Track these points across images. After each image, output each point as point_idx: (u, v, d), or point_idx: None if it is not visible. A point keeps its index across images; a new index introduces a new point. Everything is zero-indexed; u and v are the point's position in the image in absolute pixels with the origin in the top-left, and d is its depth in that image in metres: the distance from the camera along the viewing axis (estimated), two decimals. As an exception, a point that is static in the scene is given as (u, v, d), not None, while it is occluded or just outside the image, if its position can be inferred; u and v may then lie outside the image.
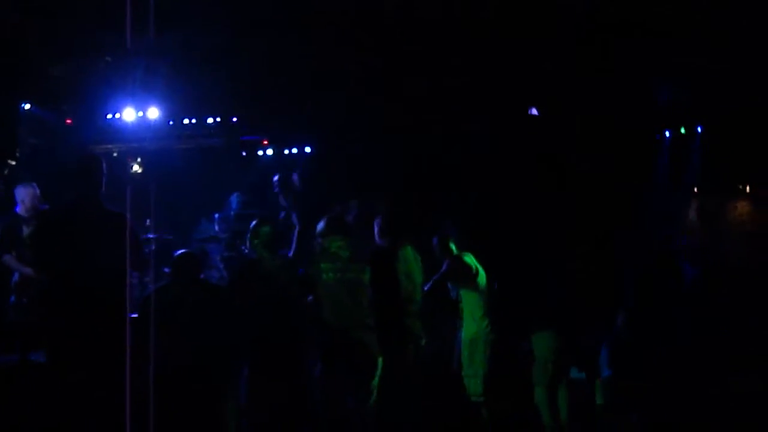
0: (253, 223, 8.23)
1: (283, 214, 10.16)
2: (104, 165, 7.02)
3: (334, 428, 7.89)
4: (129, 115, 13.59)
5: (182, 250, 8.04)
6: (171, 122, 15.00)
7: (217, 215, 12.47)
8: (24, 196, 9.43)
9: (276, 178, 10.40)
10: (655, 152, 15.05)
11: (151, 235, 10.88)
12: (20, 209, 9.42)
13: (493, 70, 12.30)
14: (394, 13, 10.62)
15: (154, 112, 13.51)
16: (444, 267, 8.89)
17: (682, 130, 14.84)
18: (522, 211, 12.28)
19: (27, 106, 13.18)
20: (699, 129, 14.70)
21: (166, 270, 10.69)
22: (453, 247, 8.98)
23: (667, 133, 15.05)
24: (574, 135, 13.84)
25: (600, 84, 12.61)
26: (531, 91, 13.63)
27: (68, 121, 14.66)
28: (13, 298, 9.30)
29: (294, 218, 9.21)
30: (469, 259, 8.94)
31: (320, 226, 8.12)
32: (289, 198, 10.11)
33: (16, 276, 9.31)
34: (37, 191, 9.48)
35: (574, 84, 12.67)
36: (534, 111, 14.15)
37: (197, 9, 10.04)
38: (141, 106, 13.41)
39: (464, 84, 12.84)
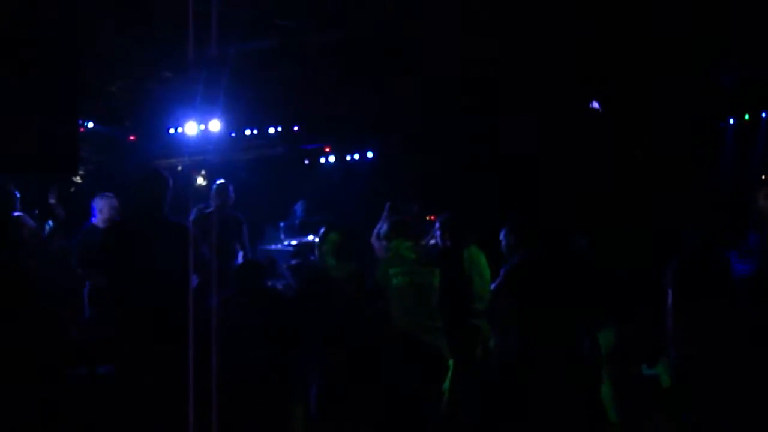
0: (322, 230, 8.24)
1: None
2: (170, 181, 7.08)
3: (405, 432, 7.87)
4: (191, 128, 13.72)
5: (245, 260, 8.06)
6: (233, 134, 15.12)
7: (282, 224, 12.52)
8: (102, 206, 9.49)
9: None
10: (719, 140, 14.82)
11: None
12: (97, 220, 9.50)
13: (554, 64, 12.20)
14: (453, 17, 10.59)
15: (215, 125, 13.62)
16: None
17: (746, 117, 14.57)
18: (582, 206, 12.18)
19: (90, 125, 13.35)
20: (764, 115, 14.41)
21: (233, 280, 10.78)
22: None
23: (731, 121, 14.78)
24: (636, 128, 13.70)
25: (662, 74, 12.46)
26: (592, 84, 13.51)
27: (131, 137, 14.83)
28: (87, 311, 9.40)
29: None
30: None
31: (384, 229, 8.10)
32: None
33: (90, 285, 9.39)
34: (115, 202, 9.53)
35: (636, 76, 12.53)
36: (596, 104, 14.03)
37: (256, 20, 10.08)
38: (203, 119, 13.53)
39: (525, 80, 12.77)
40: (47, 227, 9.54)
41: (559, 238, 8.12)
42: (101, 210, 9.51)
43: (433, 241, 8.96)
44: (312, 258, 9.84)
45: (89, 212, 9.61)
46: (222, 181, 10.56)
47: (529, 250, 7.62)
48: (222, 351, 5.53)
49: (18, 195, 8.66)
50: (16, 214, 8.71)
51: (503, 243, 8.50)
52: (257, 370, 7.24)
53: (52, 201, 9.41)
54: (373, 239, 8.86)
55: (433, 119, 14.12)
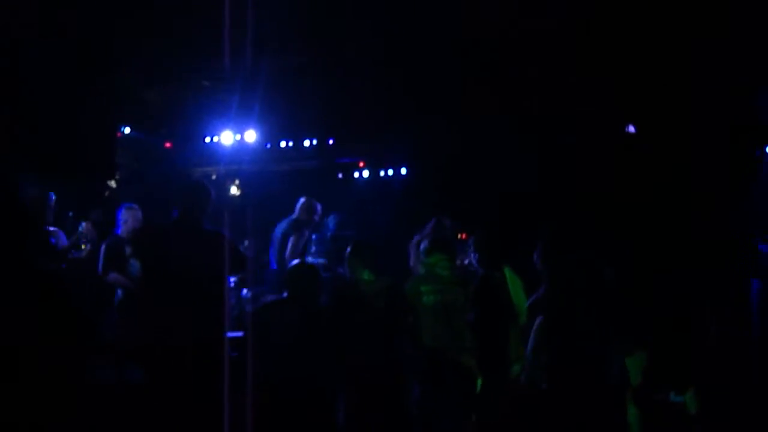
0: (353, 244, 8.23)
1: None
2: (212, 192, 7.15)
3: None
4: (227, 138, 13.79)
5: (298, 262, 7.87)
6: (268, 145, 15.17)
7: (314, 236, 12.53)
8: (127, 217, 9.64)
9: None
10: (755, 169, 14.71)
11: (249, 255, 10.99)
12: (122, 230, 9.60)
13: (590, 87, 12.19)
14: (489, 37, 10.60)
15: (251, 135, 13.69)
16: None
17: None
18: (616, 229, 12.12)
19: (127, 130, 13.42)
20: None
21: (263, 288, 10.81)
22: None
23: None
24: (672, 152, 13.63)
25: (698, 99, 12.41)
26: (628, 107, 13.48)
27: (168, 144, 14.90)
28: (116, 317, 9.44)
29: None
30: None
31: (423, 245, 8.09)
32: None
33: (120, 293, 9.46)
34: (140, 214, 9.67)
35: (670, 99, 12.50)
36: (631, 128, 13.99)
37: (293, 32, 10.12)
38: (239, 129, 13.59)
39: (562, 103, 12.75)
40: (81, 226, 9.61)
41: (590, 263, 8.10)
42: (126, 221, 9.64)
43: (467, 261, 8.94)
44: (341, 271, 9.85)
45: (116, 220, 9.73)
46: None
47: (561, 273, 7.62)
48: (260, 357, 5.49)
49: (53, 199, 8.76)
50: (51, 228, 8.83)
51: (536, 261, 8.49)
52: (294, 382, 7.11)
53: (83, 228, 9.51)
54: (412, 247, 8.87)
55: (469, 139, 14.11)
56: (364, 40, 10.94)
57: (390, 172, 17.04)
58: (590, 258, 7.96)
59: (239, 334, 7.38)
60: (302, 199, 11.06)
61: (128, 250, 9.23)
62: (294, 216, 10.94)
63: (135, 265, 8.83)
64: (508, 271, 8.49)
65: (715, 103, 12.48)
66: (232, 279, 9.68)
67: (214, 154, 14.56)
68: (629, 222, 12.49)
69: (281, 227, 10.91)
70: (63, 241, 9.13)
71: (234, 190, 15.68)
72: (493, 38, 10.57)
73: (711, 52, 10.91)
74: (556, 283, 8.58)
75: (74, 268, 9.12)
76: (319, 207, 11.04)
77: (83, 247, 9.36)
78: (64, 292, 5.30)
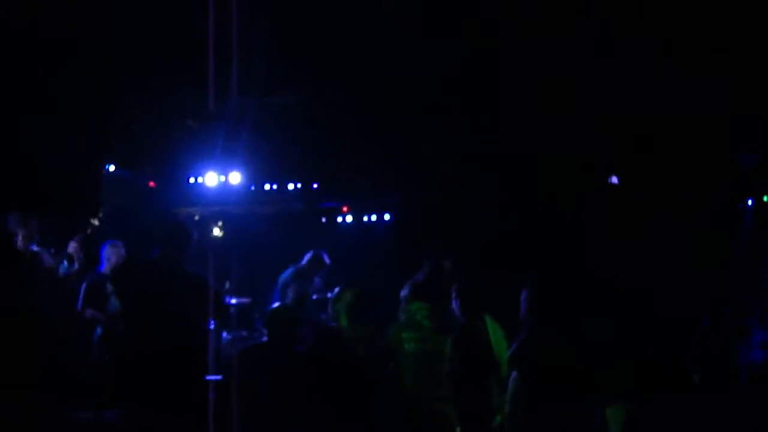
0: (336, 290, 8.20)
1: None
2: (194, 234, 7.15)
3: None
4: (211, 179, 13.77)
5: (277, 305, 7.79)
6: (252, 187, 15.16)
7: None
8: (111, 255, 9.65)
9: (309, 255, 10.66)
10: (738, 221, 14.79)
11: (230, 299, 10.93)
12: (105, 268, 9.59)
13: (571, 139, 12.25)
14: (475, 84, 10.65)
15: (236, 177, 13.67)
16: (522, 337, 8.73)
17: (765, 198, 14.54)
18: (600, 279, 12.13)
19: (111, 168, 13.39)
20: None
21: (243, 333, 10.75)
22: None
23: (750, 202, 14.75)
24: (654, 204, 13.70)
25: (680, 153, 12.49)
26: (611, 159, 13.55)
27: (151, 183, 14.87)
28: (95, 355, 9.40)
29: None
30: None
31: (404, 292, 8.07)
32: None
33: (99, 331, 9.42)
34: (123, 251, 9.67)
35: (654, 152, 12.56)
36: (615, 179, 14.05)
37: (279, 75, 10.14)
38: (223, 170, 13.58)
39: (540, 155, 12.82)
40: (63, 267, 9.59)
41: (571, 313, 8.09)
42: (109, 259, 9.64)
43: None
44: (324, 316, 9.82)
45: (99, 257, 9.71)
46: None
47: (543, 328, 7.64)
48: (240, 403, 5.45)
49: (36, 226, 8.73)
50: (34, 248, 8.77)
51: (522, 309, 8.46)
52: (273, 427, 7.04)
53: (71, 248, 9.49)
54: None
55: (452, 184, 14.15)
56: (349, 85, 10.98)
57: (373, 217, 17.08)
58: (573, 314, 7.97)
59: (218, 377, 7.32)
60: (311, 252, 10.97)
61: (110, 287, 9.20)
62: (299, 265, 10.85)
63: (114, 302, 8.81)
64: (489, 320, 8.46)
65: (698, 155, 12.56)
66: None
67: (198, 194, 14.53)
68: (611, 271, 12.50)
69: (284, 276, 10.85)
70: (48, 260, 9.09)
71: (217, 232, 15.65)
72: (479, 84, 10.61)
73: (693, 105, 10.98)
74: (536, 338, 8.56)
75: (63, 288, 9.13)
76: (327, 259, 10.94)
77: (73, 264, 9.37)
78: (40, 332, 5.26)
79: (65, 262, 9.57)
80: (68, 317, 9.38)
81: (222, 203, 14.42)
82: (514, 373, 7.60)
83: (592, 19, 9.00)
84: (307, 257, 10.87)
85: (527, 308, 8.13)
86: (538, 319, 8.18)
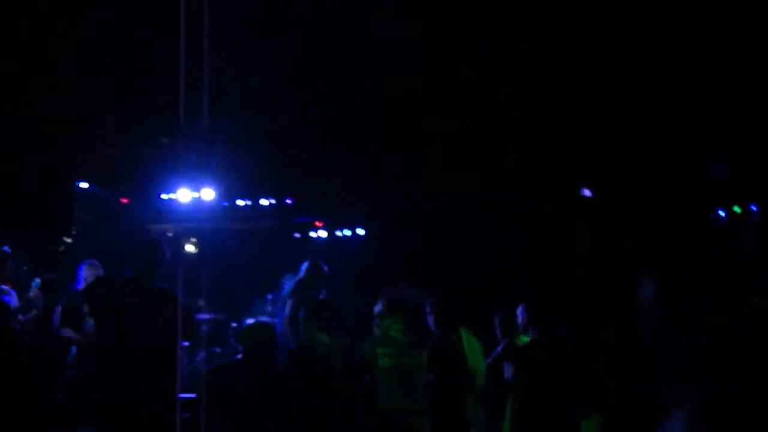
0: (308, 305, 8.19)
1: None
2: (166, 249, 7.13)
3: None
4: (184, 195, 13.72)
5: (253, 321, 7.68)
6: (225, 203, 15.13)
7: (269, 296, 12.48)
8: (87, 274, 9.58)
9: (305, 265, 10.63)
10: (710, 231, 14.86)
11: (203, 316, 10.89)
12: (81, 287, 9.54)
13: (543, 152, 12.30)
14: (450, 104, 10.71)
15: (208, 193, 13.62)
16: (500, 347, 8.74)
17: (736, 209, 14.63)
18: (570, 291, 12.19)
19: (84, 185, 13.33)
20: (754, 208, 14.47)
21: (217, 350, 10.71)
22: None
23: (722, 213, 14.83)
24: (627, 215, 13.77)
25: (652, 163, 12.55)
26: (583, 172, 13.61)
27: (124, 200, 14.82)
28: (69, 374, 9.36)
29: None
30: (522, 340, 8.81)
31: (378, 307, 8.07)
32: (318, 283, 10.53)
33: (74, 350, 9.39)
34: (101, 271, 9.61)
35: (626, 163, 12.63)
36: (587, 192, 14.11)
37: (252, 92, 10.15)
38: (196, 186, 13.54)
39: (514, 168, 12.86)
40: (34, 284, 9.57)
41: (549, 324, 8.12)
42: (86, 278, 9.57)
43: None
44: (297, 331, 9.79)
45: (76, 275, 9.66)
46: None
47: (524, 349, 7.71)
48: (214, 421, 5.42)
49: (9, 253, 8.71)
50: (3, 287, 8.78)
51: (498, 324, 8.49)
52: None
53: (33, 293, 9.49)
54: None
55: (425, 199, 14.18)
56: (323, 102, 10.99)
57: (347, 232, 17.08)
58: (552, 332, 8.01)
59: (192, 395, 7.29)
60: (307, 262, 10.94)
61: (86, 308, 9.17)
62: (298, 277, 10.82)
63: (90, 322, 8.78)
64: (464, 333, 8.49)
65: (669, 166, 12.63)
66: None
67: (170, 211, 14.48)
68: (586, 284, 12.56)
69: (286, 289, 10.82)
70: (14, 301, 9.08)
71: (190, 248, 15.59)
72: (454, 105, 10.66)
73: (664, 118, 11.05)
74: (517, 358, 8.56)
75: (22, 330, 9.08)
76: (325, 267, 10.92)
77: (30, 311, 9.36)
78: (15, 348, 5.26)
79: (37, 279, 9.54)
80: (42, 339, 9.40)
81: (195, 219, 14.37)
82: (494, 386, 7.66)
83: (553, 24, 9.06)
84: (304, 267, 10.84)
85: (527, 321, 8.16)
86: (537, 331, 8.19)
